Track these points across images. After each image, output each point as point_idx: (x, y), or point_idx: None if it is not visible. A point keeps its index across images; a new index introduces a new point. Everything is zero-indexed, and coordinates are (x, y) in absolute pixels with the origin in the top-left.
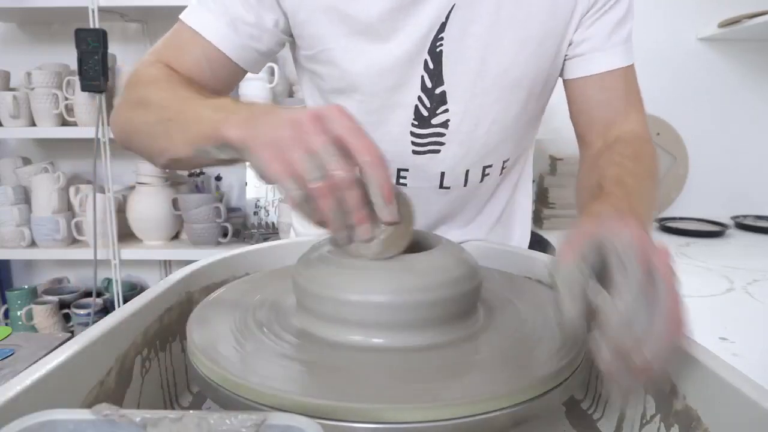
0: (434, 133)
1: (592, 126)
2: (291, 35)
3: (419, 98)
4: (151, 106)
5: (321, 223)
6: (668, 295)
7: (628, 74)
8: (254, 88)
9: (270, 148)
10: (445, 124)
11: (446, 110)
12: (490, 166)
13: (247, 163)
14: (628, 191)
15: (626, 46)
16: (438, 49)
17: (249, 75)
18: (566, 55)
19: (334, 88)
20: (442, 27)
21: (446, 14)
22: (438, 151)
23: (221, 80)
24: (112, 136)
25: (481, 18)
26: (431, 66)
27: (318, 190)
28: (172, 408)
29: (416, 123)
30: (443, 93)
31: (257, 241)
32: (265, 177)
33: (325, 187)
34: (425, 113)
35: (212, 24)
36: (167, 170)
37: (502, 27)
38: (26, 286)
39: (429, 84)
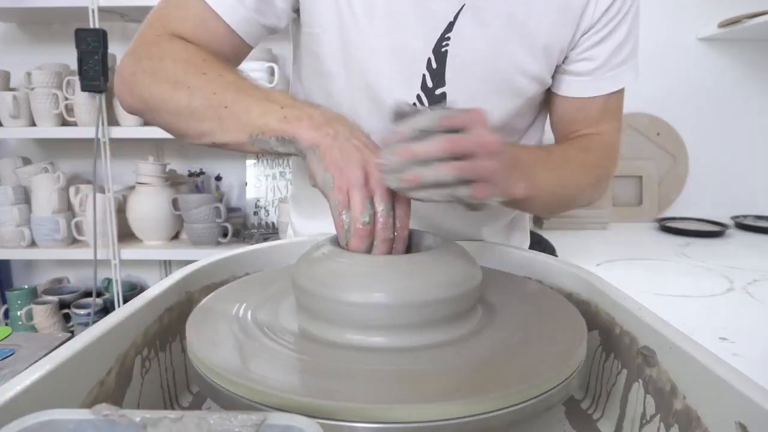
0: None
1: (561, 133)
2: (297, 11)
3: (418, 96)
4: (193, 89)
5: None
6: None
7: (610, 98)
8: None
9: (339, 173)
10: None
11: None
12: None
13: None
14: (546, 149)
15: (619, 70)
16: (443, 49)
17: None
18: (557, 67)
19: (332, 72)
20: (450, 26)
21: (455, 14)
22: None
23: (236, 58)
24: (112, 136)
25: (490, 22)
26: (434, 65)
27: (362, 230)
28: (172, 408)
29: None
30: (443, 94)
31: (257, 241)
32: (318, 185)
33: (367, 231)
34: None
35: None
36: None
37: (511, 33)
38: (26, 286)
39: (430, 84)
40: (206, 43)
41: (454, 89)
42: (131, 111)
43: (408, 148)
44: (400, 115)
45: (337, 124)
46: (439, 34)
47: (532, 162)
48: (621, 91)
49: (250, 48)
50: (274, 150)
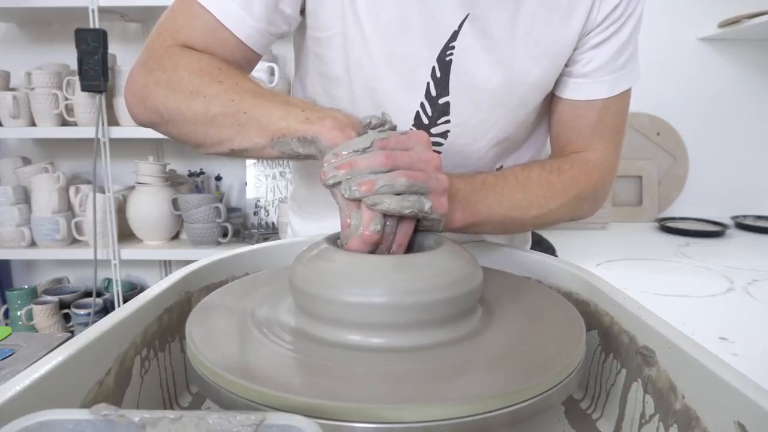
0: (431, 142)
1: (555, 142)
2: (303, 12)
3: (422, 105)
4: (210, 97)
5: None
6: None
7: (608, 105)
8: None
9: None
10: (444, 135)
11: (447, 121)
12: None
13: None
14: (500, 175)
15: (617, 75)
16: (447, 58)
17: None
18: None
19: (336, 76)
20: (454, 36)
21: (459, 23)
22: None
23: (248, 66)
24: (112, 136)
25: (495, 32)
26: (438, 74)
27: (370, 237)
28: (172, 408)
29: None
30: (447, 104)
31: (257, 241)
32: (329, 187)
33: (374, 240)
34: (426, 121)
35: (233, 11)
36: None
37: (516, 43)
38: (26, 286)
39: (434, 92)
40: (217, 53)
41: (457, 99)
42: (143, 123)
43: (349, 161)
44: (367, 128)
45: (360, 128)
46: (444, 43)
47: (476, 189)
48: (620, 103)
49: (260, 56)
50: (295, 152)
